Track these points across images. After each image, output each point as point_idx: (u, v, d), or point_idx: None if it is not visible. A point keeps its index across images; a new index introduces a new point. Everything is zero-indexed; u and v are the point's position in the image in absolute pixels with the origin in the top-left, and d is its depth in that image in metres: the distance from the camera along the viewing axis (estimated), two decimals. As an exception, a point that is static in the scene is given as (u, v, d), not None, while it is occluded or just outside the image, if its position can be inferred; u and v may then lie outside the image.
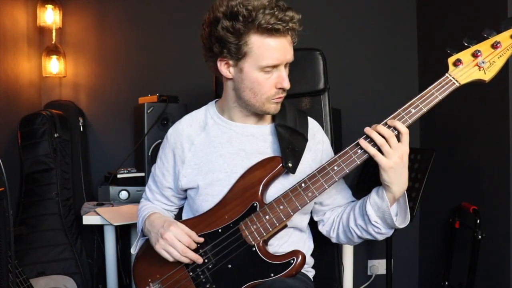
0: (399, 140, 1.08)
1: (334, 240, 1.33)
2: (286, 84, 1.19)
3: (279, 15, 1.11)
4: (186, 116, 1.37)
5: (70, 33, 2.54)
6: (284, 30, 1.13)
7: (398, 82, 2.65)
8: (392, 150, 1.07)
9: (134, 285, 1.32)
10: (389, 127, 1.09)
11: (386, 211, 1.14)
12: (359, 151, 1.12)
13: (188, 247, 1.17)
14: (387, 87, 2.64)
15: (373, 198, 1.16)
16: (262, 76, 1.17)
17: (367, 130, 1.09)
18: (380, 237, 1.21)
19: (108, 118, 2.57)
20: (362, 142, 1.09)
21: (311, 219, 1.38)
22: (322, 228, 1.35)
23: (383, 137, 1.07)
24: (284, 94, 1.23)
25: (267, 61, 1.15)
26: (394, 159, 1.07)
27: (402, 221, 1.17)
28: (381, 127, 1.08)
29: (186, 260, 1.18)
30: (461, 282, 2.06)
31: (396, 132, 1.08)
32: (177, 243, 1.16)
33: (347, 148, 1.13)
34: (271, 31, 1.12)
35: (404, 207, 1.16)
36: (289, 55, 1.19)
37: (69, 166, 2.22)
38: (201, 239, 1.19)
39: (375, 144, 1.09)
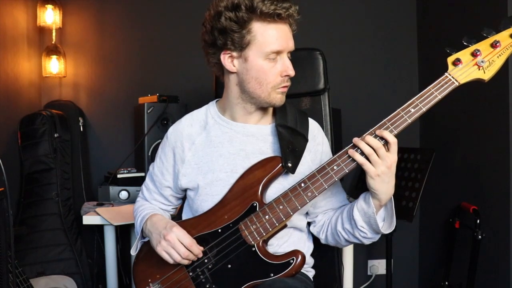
0: (387, 149, 1.08)
1: (323, 241, 1.34)
2: (291, 71, 1.20)
3: (278, 3, 1.15)
4: (186, 116, 1.37)
5: (70, 33, 2.54)
6: (285, 15, 1.16)
7: (398, 82, 2.66)
8: (380, 160, 1.07)
9: (134, 285, 1.32)
10: (377, 136, 1.09)
11: (372, 217, 1.15)
12: (358, 151, 1.12)
13: (189, 250, 1.17)
14: (387, 87, 2.64)
15: (360, 204, 1.17)
16: (267, 65, 1.18)
17: (355, 140, 1.10)
18: (366, 241, 1.22)
19: (108, 118, 2.57)
20: (350, 151, 1.10)
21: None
22: (313, 229, 1.35)
23: (371, 147, 1.08)
24: (289, 83, 1.24)
25: (271, 47, 1.17)
26: (382, 168, 1.07)
27: (388, 227, 1.18)
28: (369, 138, 1.09)
29: (186, 262, 1.18)
30: (461, 282, 2.06)
31: (383, 142, 1.08)
32: (179, 246, 1.16)
33: (347, 148, 1.13)
34: (273, 17, 1.15)
35: (391, 212, 1.16)
36: (291, 43, 1.21)
37: (69, 166, 2.22)
38: (201, 248, 1.19)
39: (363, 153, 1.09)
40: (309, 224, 1.37)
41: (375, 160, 1.07)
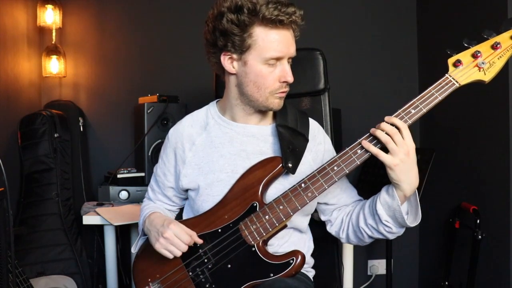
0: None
1: (344, 240, 1.32)
2: (290, 78, 1.20)
3: (282, 9, 1.13)
4: (187, 116, 1.38)
5: (70, 33, 2.54)
6: (288, 22, 1.15)
7: (398, 82, 2.66)
8: (397, 147, 1.06)
9: (134, 284, 1.32)
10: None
11: (397, 210, 1.13)
12: (359, 151, 1.12)
13: (188, 245, 1.17)
14: (387, 87, 2.65)
15: (383, 197, 1.15)
16: (266, 69, 1.18)
17: (372, 130, 1.09)
18: (391, 236, 1.20)
19: (108, 118, 2.57)
20: (365, 142, 1.10)
21: (313, 220, 1.38)
22: (331, 229, 1.34)
23: (388, 134, 1.07)
24: (287, 89, 1.23)
25: (271, 53, 1.16)
26: (400, 156, 1.06)
27: (413, 220, 1.16)
28: (384, 125, 1.08)
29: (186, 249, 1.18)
30: (461, 282, 2.07)
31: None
32: (178, 242, 1.16)
33: (347, 148, 1.13)
34: (275, 23, 1.14)
35: (415, 205, 1.15)
36: (292, 49, 1.20)
37: (69, 166, 2.22)
38: (201, 241, 1.19)
39: (377, 143, 1.09)
40: (316, 224, 1.36)
41: (393, 148, 1.06)
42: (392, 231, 1.18)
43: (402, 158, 1.06)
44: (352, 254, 1.97)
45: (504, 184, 1.87)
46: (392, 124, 1.08)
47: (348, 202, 1.32)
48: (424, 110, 1.09)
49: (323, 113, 1.66)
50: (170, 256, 1.18)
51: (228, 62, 1.22)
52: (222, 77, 1.31)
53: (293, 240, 1.29)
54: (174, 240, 1.16)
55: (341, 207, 1.33)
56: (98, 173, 2.51)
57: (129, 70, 2.57)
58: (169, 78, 2.58)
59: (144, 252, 1.32)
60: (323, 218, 1.35)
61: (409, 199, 1.15)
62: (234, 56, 1.20)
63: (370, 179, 2.37)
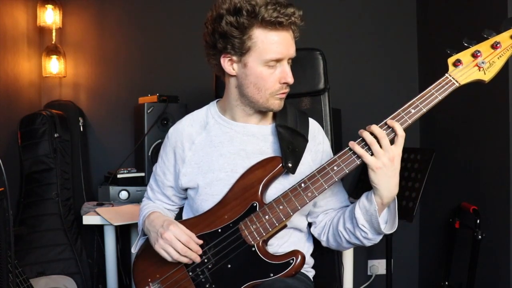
0: (393, 142, 1.07)
1: (324, 243, 1.32)
2: (290, 79, 1.20)
3: (281, 10, 1.13)
4: (187, 116, 1.38)
5: (70, 33, 2.54)
6: (287, 23, 1.15)
7: (398, 82, 2.66)
8: (382, 151, 1.06)
9: (134, 284, 1.32)
10: (388, 127, 1.08)
11: (373, 215, 1.12)
12: (360, 144, 1.11)
13: (187, 246, 1.17)
14: (387, 87, 2.65)
15: (362, 201, 1.15)
16: (266, 71, 1.18)
17: (361, 131, 1.09)
18: (367, 243, 1.20)
19: (108, 118, 2.57)
20: (351, 143, 1.10)
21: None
22: (314, 230, 1.34)
23: (375, 137, 1.07)
24: (287, 90, 1.23)
25: (270, 55, 1.16)
26: (384, 160, 1.06)
27: (390, 228, 1.16)
28: (374, 127, 1.08)
29: (185, 260, 1.18)
30: (461, 282, 2.07)
31: (393, 135, 1.08)
32: (177, 243, 1.16)
33: (347, 149, 1.13)
34: (274, 25, 1.14)
35: (393, 214, 1.14)
36: (292, 50, 1.20)
37: (69, 166, 2.22)
38: (200, 241, 1.19)
39: (369, 149, 1.08)
40: (310, 225, 1.37)
41: (376, 151, 1.06)
42: (368, 236, 1.17)
43: (385, 163, 1.06)
44: (352, 254, 1.98)
45: (504, 184, 1.87)
46: (392, 128, 1.08)
47: (336, 207, 1.32)
48: (424, 110, 1.09)
49: (323, 113, 1.66)
50: (169, 259, 1.18)
51: (228, 64, 1.22)
52: (222, 78, 1.31)
53: (293, 240, 1.29)
54: (173, 242, 1.16)
55: (328, 211, 1.32)
56: (98, 173, 2.51)
57: (129, 70, 2.57)
58: (169, 78, 2.58)
59: (144, 252, 1.32)
60: (309, 219, 1.35)
61: (389, 208, 1.15)
62: (234, 58, 1.20)
63: (370, 179, 2.36)
